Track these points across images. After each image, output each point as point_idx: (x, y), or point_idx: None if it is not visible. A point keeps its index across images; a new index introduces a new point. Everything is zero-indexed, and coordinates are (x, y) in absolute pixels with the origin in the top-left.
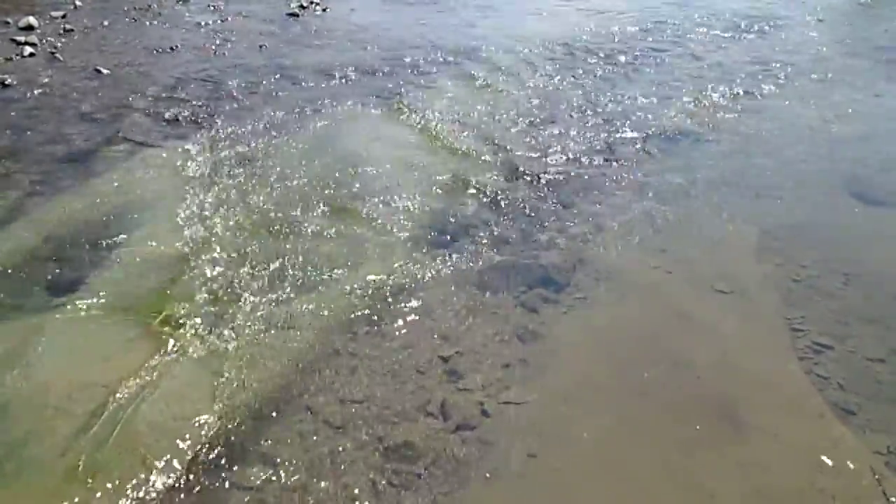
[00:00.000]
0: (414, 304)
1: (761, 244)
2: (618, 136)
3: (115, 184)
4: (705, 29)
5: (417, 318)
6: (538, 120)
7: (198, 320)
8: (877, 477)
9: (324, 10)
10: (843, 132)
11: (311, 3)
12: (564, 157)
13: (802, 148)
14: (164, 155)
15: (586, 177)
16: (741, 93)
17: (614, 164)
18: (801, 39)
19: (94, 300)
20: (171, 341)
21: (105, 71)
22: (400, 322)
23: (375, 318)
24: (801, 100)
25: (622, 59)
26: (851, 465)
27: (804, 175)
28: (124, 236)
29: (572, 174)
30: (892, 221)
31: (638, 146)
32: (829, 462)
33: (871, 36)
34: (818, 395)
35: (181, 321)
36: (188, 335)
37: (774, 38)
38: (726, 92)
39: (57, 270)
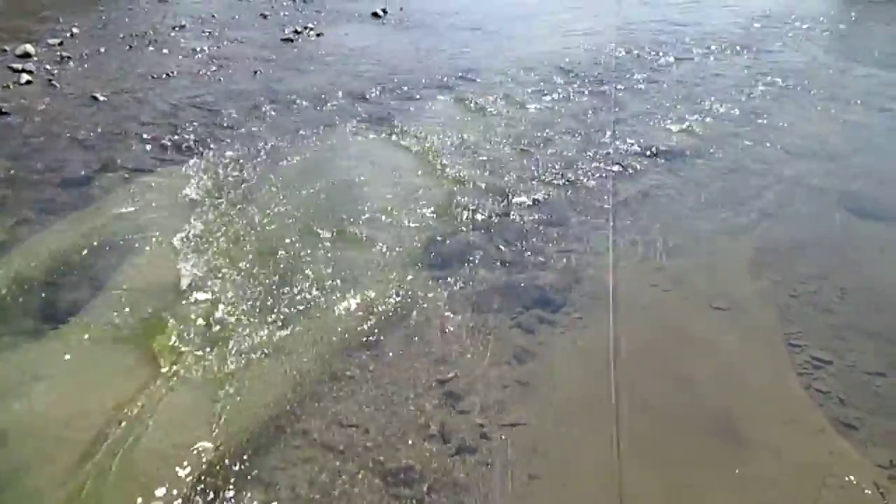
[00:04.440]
0: (411, 326)
1: (758, 260)
2: (612, 156)
3: (112, 210)
4: (698, 49)
5: (414, 340)
6: (531, 142)
7: (195, 346)
8: (881, 491)
9: (318, 35)
10: (837, 147)
11: (306, 28)
12: (559, 179)
13: (797, 164)
14: (161, 181)
15: (580, 197)
16: (735, 111)
17: (608, 184)
18: (793, 57)
19: (91, 327)
20: (169, 368)
21: (101, 98)
22: (397, 345)
23: (373, 341)
24: (795, 116)
25: (614, 79)
26: (854, 480)
27: (799, 191)
28: (121, 263)
29: (566, 195)
30: (887, 235)
31: (632, 166)
32: (832, 477)
33: (862, 51)
34: (819, 410)
35: (178, 347)
36: (186, 361)
37: (767, 55)
38: (720, 110)
39: (53, 298)
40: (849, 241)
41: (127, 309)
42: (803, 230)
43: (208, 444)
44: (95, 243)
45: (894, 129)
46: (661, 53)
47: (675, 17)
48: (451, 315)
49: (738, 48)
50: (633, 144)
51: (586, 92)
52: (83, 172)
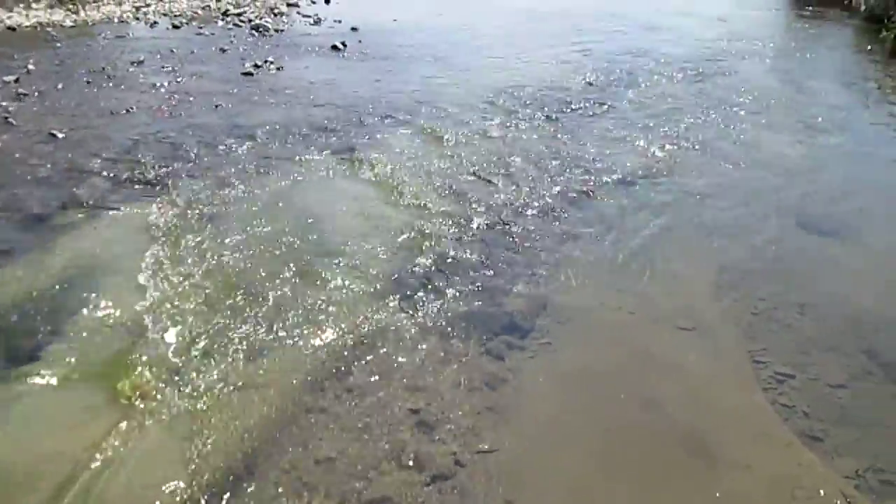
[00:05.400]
0: (381, 357)
1: (719, 280)
2: (574, 183)
3: (73, 248)
4: (656, 76)
5: (385, 371)
6: (494, 170)
7: (163, 384)
8: (848, 500)
9: (278, 69)
10: (791, 168)
11: (266, 62)
12: (522, 206)
13: (752, 185)
14: (123, 217)
15: (544, 224)
16: (692, 135)
17: (571, 209)
18: (749, 81)
19: (56, 369)
20: (137, 407)
21: (60, 134)
22: (368, 376)
23: (343, 373)
24: (749, 139)
25: (575, 108)
26: (822, 491)
27: (755, 211)
28: (83, 301)
29: (530, 222)
30: (841, 251)
31: (594, 192)
32: (801, 489)
33: (810, 73)
34: (785, 424)
35: (146, 386)
36: (154, 400)
37: (723, 81)
38: (678, 135)
39: (14, 339)
40: (805, 258)
41: (91, 348)
42: (761, 249)
43: (180, 484)
44: (57, 282)
45: (844, 149)
46: (617, 81)
47: (629, 46)
48: (421, 344)
49: (693, 73)
50: (592, 170)
51: (546, 119)
52: (43, 210)
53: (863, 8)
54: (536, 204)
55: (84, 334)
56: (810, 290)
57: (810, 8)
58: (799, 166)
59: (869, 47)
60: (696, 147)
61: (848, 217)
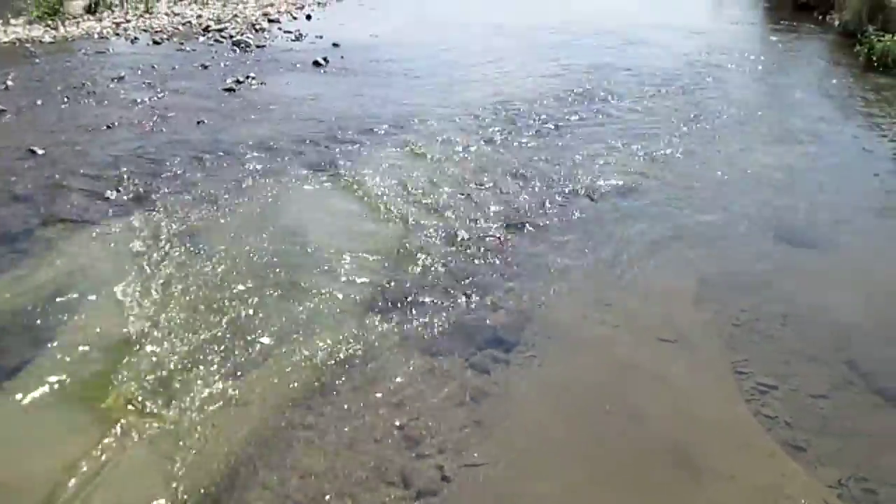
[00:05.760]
0: (366, 372)
1: (700, 292)
2: (554, 196)
3: (54, 265)
4: (636, 90)
5: (370, 386)
6: (476, 184)
7: (147, 401)
8: None
9: (260, 84)
10: (767, 180)
11: (247, 77)
12: (503, 219)
13: (731, 197)
14: (104, 234)
15: (527, 237)
16: (669, 150)
17: (553, 223)
18: (727, 94)
19: (37, 386)
20: (121, 424)
21: (40, 151)
22: (353, 391)
23: (328, 389)
24: (726, 153)
25: (556, 122)
26: (805, 501)
27: (735, 223)
28: (65, 318)
29: (512, 235)
30: (819, 262)
31: (574, 205)
32: (786, 499)
33: (787, 88)
34: (767, 435)
35: (130, 403)
36: (138, 417)
37: (702, 94)
38: (655, 149)
39: None
40: (784, 269)
41: (73, 365)
42: (741, 261)
43: (163, 502)
44: (38, 299)
45: (823, 161)
46: (597, 95)
47: (609, 60)
48: (406, 358)
49: (672, 87)
50: (573, 184)
51: (527, 134)
52: (22, 227)
53: (837, 23)
54: (519, 218)
55: (66, 351)
56: (790, 301)
57: (785, 22)
58: (778, 178)
59: (844, 61)
60: (676, 160)
61: (827, 228)
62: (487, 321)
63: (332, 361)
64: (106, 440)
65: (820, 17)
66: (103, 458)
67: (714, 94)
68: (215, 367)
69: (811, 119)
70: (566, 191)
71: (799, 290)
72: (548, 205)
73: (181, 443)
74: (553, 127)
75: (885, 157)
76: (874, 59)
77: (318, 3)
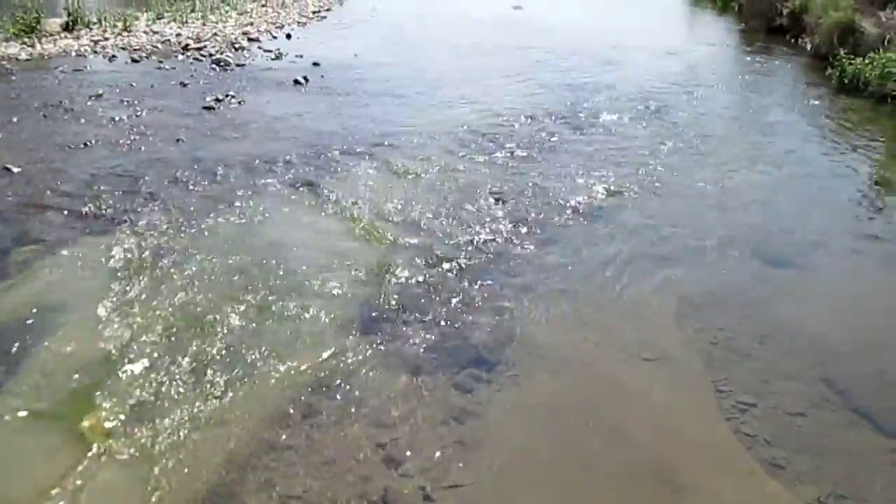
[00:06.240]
0: (347, 392)
1: (680, 311)
2: (534, 217)
3: (29, 285)
4: (611, 111)
5: (351, 405)
6: (456, 203)
7: (124, 422)
8: None
9: (239, 102)
10: (744, 201)
11: (227, 96)
12: (485, 238)
13: (708, 217)
14: (81, 253)
15: (507, 256)
16: (648, 170)
17: (533, 243)
18: (703, 115)
19: (11, 409)
20: (97, 446)
21: (15, 169)
22: (334, 411)
23: (309, 408)
24: (704, 173)
25: (534, 142)
26: None
27: (711, 243)
28: (41, 338)
29: (494, 254)
30: (795, 281)
31: (554, 224)
32: None
33: (761, 110)
34: (748, 453)
35: (107, 424)
36: (115, 438)
37: (678, 115)
38: (634, 170)
39: None
40: (761, 288)
41: (49, 386)
42: (719, 280)
43: None
44: (12, 320)
45: (797, 181)
46: (575, 116)
47: (586, 81)
48: (387, 378)
49: (651, 109)
50: (552, 204)
51: (507, 154)
52: None
53: (809, 46)
54: (498, 237)
55: (40, 373)
56: (768, 319)
57: (759, 44)
58: (755, 198)
59: (817, 83)
60: (654, 180)
61: (802, 248)
62: (469, 340)
63: (313, 381)
64: (81, 464)
65: (792, 40)
66: (78, 482)
67: (691, 114)
68: (193, 388)
69: (787, 140)
70: (547, 210)
71: (776, 309)
72: (528, 223)
73: (158, 466)
74: (533, 147)
75: (858, 178)
76: (845, 81)
77: (298, 23)
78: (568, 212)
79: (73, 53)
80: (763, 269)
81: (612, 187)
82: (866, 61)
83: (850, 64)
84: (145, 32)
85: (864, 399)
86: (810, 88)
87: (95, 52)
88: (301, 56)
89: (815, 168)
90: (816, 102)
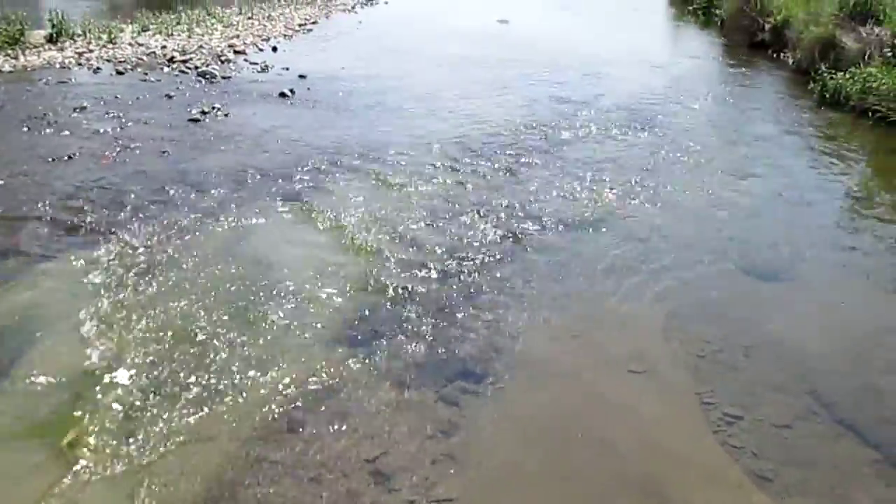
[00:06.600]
0: (334, 405)
1: (666, 324)
2: (521, 228)
3: (13, 298)
4: (596, 123)
5: (339, 419)
6: (443, 216)
7: (108, 439)
8: None
9: (226, 115)
10: (730, 214)
11: (213, 108)
12: (472, 252)
13: (693, 231)
14: (65, 266)
15: (494, 268)
16: (633, 183)
17: (520, 255)
18: (688, 128)
19: None
20: (81, 463)
21: None
22: (322, 425)
23: (296, 422)
24: (689, 186)
25: (520, 156)
26: None
27: (697, 256)
28: (24, 353)
29: (480, 267)
30: (781, 294)
31: (541, 237)
32: None
33: (746, 123)
34: (735, 465)
35: (90, 440)
36: (99, 455)
37: (663, 128)
38: (620, 182)
39: None
40: (746, 301)
41: (32, 401)
42: (704, 293)
43: None
44: None
45: (782, 195)
46: (561, 128)
47: (572, 94)
48: (375, 391)
49: (636, 122)
50: (539, 217)
51: (491, 167)
52: None
53: (791, 61)
54: (486, 250)
55: (23, 387)
56: (753, 332)
57: (741, 58)
58: (739, 212)
59: (799, 97)
60: (639, 194)
61: (786, 261)
62: (456, 353)
63: (300, 395)
64: (65, 480)
65: (774, 55)
66: (64, 496)
67: (676, 127)
68: (179, 402)
69: (771, 153)
70: (533, 222)
71: (761, 321)
72: (514, 237)
73: (143, 481)
74: (518, 159)
75: (841, 192)
76: (827, 95)
77: (285, 36)
78: (555, 224)
79: (58, 65)
80: (749, 282)
81: (598, 200)
82: (847, 76)
83: (832, 79)
84: (130, 44)
85: (848, 411)
86: (793, 102)
87: (80, 64)
88: (287, 69)
89: (798, 181)
90: (799, 116)
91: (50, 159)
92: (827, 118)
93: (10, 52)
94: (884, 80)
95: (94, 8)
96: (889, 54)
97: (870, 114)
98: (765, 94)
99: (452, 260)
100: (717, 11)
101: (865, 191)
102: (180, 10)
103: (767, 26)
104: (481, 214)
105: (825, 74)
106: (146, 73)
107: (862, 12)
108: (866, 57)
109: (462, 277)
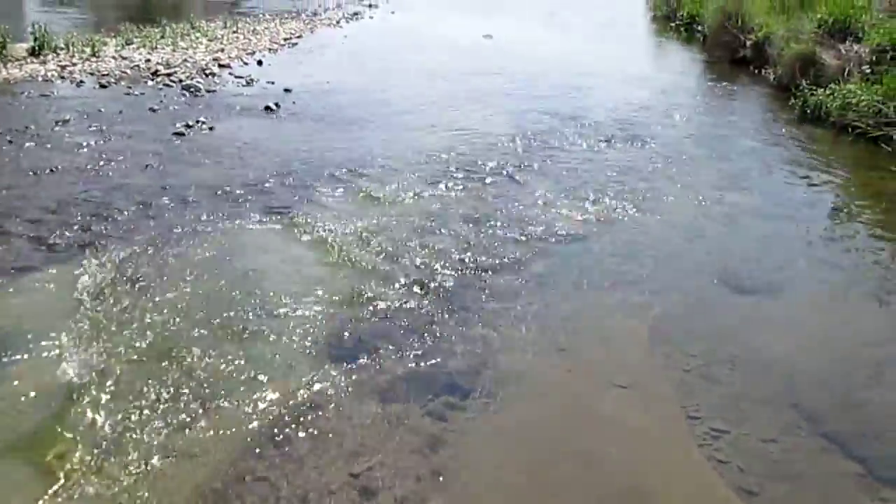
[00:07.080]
0: (320, 421)
1: (651, 337)
2: (507, 241)
3: None
4: (580, 137)
5: (324, 435)
6: (429, 231)
7: (89, 456)
8: None
9: (210, 128)
10: (713, 228)
11: (197, 122)
12: (458, 265)
13: (676, 245)
14: (47, 281)
15: (480, 283)
16: (617, 197)
17: (505, 270)
18: (670, 143)
19: None
20: (63, 480)
21: None
22: (306, 441)
23: (280, 439)
24: (673, 200)
25: (505, 171)
26: None
27: (681, 270)
28: (5, 370)
29: (466, 281)
30: (764, 307)
31: (527, 250)
32: None
33: (730, 138)
34: (721, 480)
35: (72, 458)
36: (79, 473)
37: (644, 143)
38: (604, 197)
39: None
40: (730, 315)
41: (13, 418)
42: (689, 307)
43: None
44: None
45: (763, 209)
46: (545, 143)
47: (556, 108)
48: (360, 406)
49: (620, 136)
50: (524, 231)
51: (478, 181)
52: None
53: (772, 77)
54: (471, 264)
55: (5, 403)
56: (738, 345)
57: (723, 74)
58: (723, 226)
59: (781, 112)
60: (621, 208)
61: (769, 274)
62: (442, 368)
63: (285, 410)
64: (47, 498)
65: (756, 71)
66: None
67: (659, 142)
68: (162, 418)
69: (754, 167)
70: (517, 237)
71: (745, 334)
72: (499, 251)
73: (127, 499)
74: (503, 174)
75: (821, 206)
76: (808, 111)
77: (270, 49)
78: (538, 239)
79: (40, 78)
80: (732, 296)
81: (582, 215)
82: (827, 92)
83: (812, 95)
84: (114, 58)
85: (832, 424)
86: (775, 118)
87: (62, 77)
88: (272, 82)
89: (781, 196)
90: (781, 131)
91: (32, 173)
92: (808, 134)
93: None
94: (863, 97)
95: (77, 21)
96: (868, 71)
97: (850, 129)
98: (747, 109)
99: (437, 274)
100: (699, 28)
101: (846, 206)
102: (164, 24)
103: (749, 43)
104: (466, 229)
105: (806, 91)
106: (130, 87)
107: (841, 29)
108: (846, 73)
109: (448, 291)
